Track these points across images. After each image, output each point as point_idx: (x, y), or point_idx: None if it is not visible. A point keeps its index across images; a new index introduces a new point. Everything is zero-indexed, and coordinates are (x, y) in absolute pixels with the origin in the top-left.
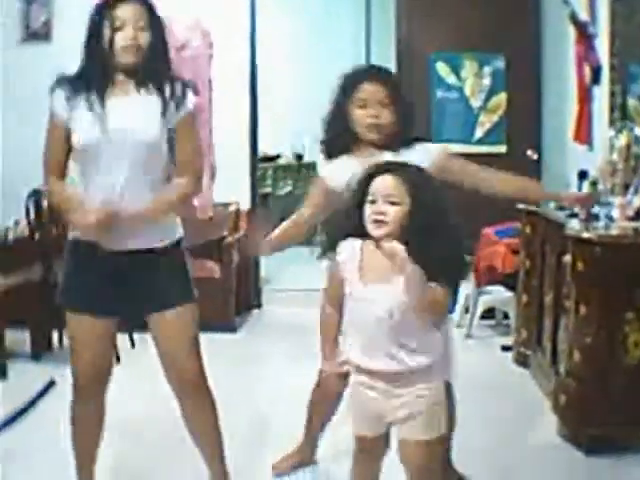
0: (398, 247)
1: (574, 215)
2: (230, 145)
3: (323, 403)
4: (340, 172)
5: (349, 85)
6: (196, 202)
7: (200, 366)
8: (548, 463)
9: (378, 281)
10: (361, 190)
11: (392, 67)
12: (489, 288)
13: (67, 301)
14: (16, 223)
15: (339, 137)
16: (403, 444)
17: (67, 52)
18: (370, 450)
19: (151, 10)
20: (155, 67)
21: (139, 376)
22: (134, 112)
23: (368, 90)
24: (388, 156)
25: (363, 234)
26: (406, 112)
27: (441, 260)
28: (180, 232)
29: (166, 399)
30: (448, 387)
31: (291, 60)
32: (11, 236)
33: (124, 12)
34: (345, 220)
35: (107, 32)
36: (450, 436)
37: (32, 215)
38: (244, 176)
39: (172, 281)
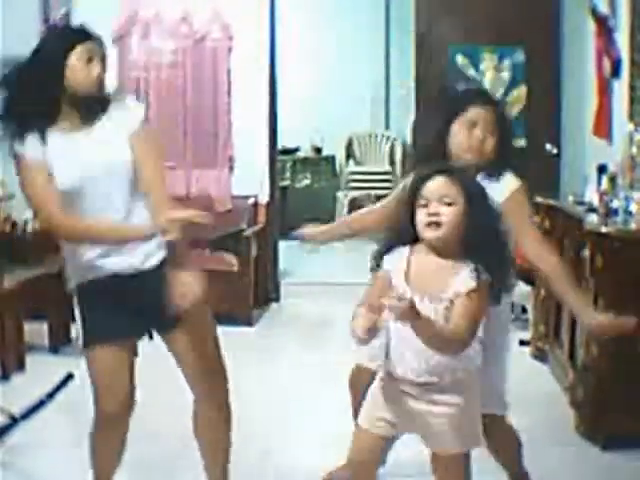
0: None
1: (593, 210)
2: (249, 138)
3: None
4: None
5: (458, 104)
6: (215, 195)
7: (227, 380)
8: (565, 458)
9: (426, 291)
10: (412, 195)
11: (411, 60)
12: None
13: (88, 341)
14: (34, 216)
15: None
16: (437, 458)
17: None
18: (376, 451)
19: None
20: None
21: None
22: (102, 140)
23: (479, 112)
24: None
25: (414, 241)
26: (507, 142)
27: (494, 261)
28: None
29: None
30: None
31: (310, 53)
32: (29, 229)
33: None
34: (397, 227)
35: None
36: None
37: None
38: (263, 169)
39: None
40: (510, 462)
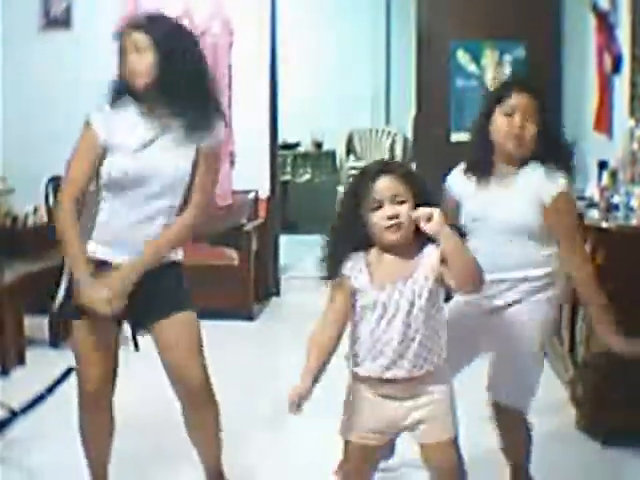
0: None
1: (594, 205)
2: (250, 132)
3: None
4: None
5: (499, 92)
6: (216, 189)
7: (204, 373)
8: (565, 453)
9: (394, 281)
10: (356, 199)
11: (412, 55)
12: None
13: (69, 312)
14: (35, 210)
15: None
16: (430, 448)
17: (87, 39)
18: (372, 459)
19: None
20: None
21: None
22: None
23: (518, 99)
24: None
25: (366, 245)
26: (550, 132)
27: None
28: (179, 252)
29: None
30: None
31: (311, 48)
32: (30, 222)
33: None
34: (346, 233)
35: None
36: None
37: (51, 201)
38: (264, 164)
39: (170, 293)
40: (515, 457)
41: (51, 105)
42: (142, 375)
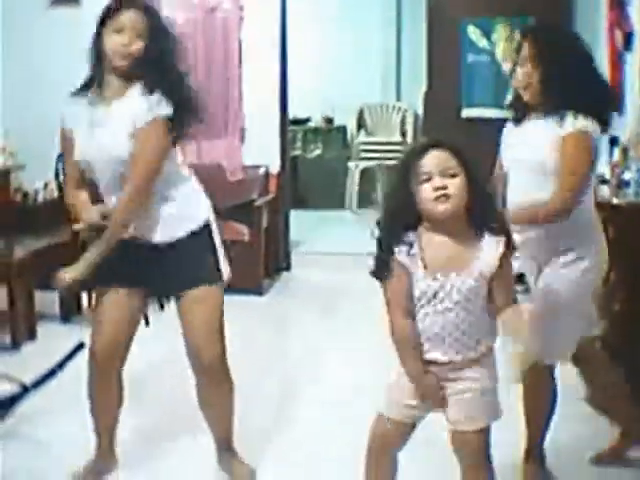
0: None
1: (605, 181)
2: (260, 108)
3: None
4: None
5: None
6: (226, 165)
7: (221, 351)
8: (576, 431)
9: (448, 271)
10: (407, 173)
11: (423, 30)
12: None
13: (96, 281)
14: (45, 185)
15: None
16: (458, 435)
17: (96, 15)
18: (403, 438)
19: (152, 18)
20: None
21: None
22: (111, 125)
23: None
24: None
25: (417, 225)
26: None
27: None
28: (203, 217)
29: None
30: None
31: (321, 24)
32: (40, 198)
33: (124, 18)
34: (397, 212)
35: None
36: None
37: (61, 177)
38: (274, 139)
39: (198, 263)
40: (534, 422)
41: (60, 81)
42: (157, 347)
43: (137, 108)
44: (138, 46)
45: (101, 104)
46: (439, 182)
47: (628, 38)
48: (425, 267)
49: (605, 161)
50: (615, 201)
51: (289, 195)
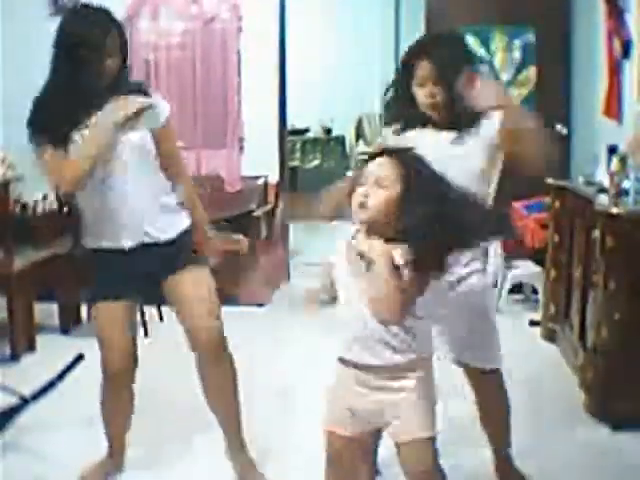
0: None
1: (604, 190)
2: (259, 118)
3: None
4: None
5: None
6: (225, 175)
7: (219, 325)
8: (575, 439)
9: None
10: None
11: None
12: (518, 263)
13: (91, 297)
14: (44, 197)
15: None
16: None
17: None
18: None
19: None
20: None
21: (166, 349)
22: None
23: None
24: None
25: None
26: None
27: (429, 246)
28: (186, 223)
29: (192, 372)
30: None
31: (320, 34)
32: (40, 210)
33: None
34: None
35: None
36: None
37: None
38: (273, 149)
39: (181, 253)
40: (496, 428)
41: None
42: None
43: None
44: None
45: None
46: (363, 190)
47: (626, 46)
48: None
49: (604, 170)
50: (614, 210)
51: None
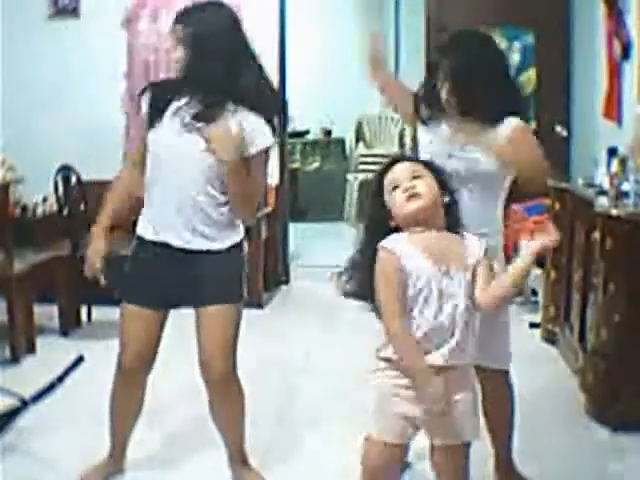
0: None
1: (603, 192)
2: None
3: None
4: None
5: None
6: None
7: (231, 364)
8: (575, 440)
9: (449, 264)
10: (379, 188)
11: (421, 42)
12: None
13: (127, 296)
14: (44, 199)
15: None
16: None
17: (95, 28)
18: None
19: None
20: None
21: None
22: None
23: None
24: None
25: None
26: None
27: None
28: (240, 235)
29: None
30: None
31: (320, 35)
32: (40, 212)
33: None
34: (372, 222)
35: None
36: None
37: (60, 191)
38: (273, 151)
39: (223, 280)
40: (499, 431)
41: (60, 94)
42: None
43: None
44: None
45: None
46: (407, 184)
47: (626, 47)
48: (427, 260)
49: (603, 172)
50: (614, 212)
51: (288, 208)
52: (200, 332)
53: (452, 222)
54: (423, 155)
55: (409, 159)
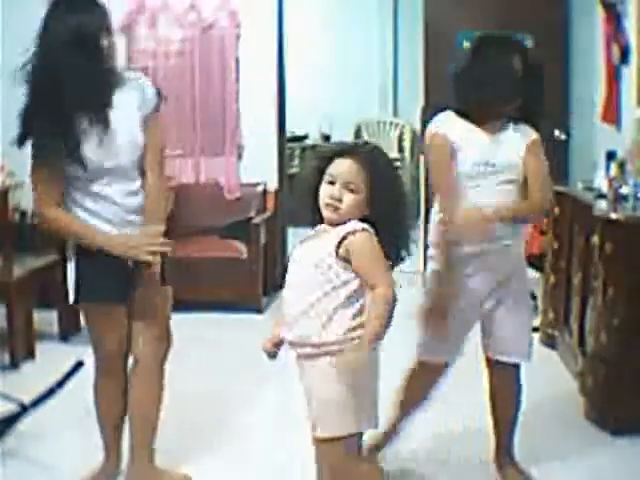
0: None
1: (602, 196)
2: (258, 125)
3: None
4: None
5: None
6: (223, 182)
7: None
8: (575, 444)
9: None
10: (321, 168)
11: (420, 46)
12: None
13: (85, 297)
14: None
15: None
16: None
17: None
18: None
19: None
20: None
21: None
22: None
23: None
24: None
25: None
26: None
27: (392, 237)
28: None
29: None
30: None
31: (319, 40)
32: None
33: None
34: (305, 198)
35: None
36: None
37: None
38: (271, 156)
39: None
40: (503, 422)
41: None
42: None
43: None
44: None
45: None
46: (336, 192)
47: (625, 51)
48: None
49: (602, 175)
50: (613, 216)
51: (287, 212)
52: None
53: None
54: (460, 168)
55: (362, 157)
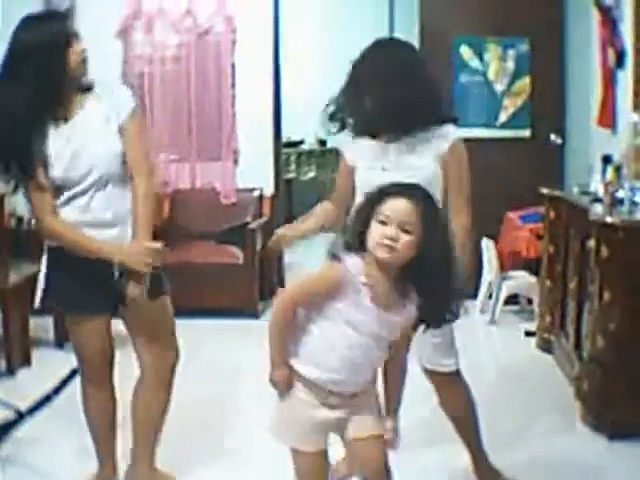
0: None
1: (598, 200)
2: (254, 130)
3: None
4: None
5: None
6: (219, 187)
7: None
8: (571, 448)
9: (388, 305)
10: (371, 206)
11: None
12: (513, 273)
13: (67, 308)
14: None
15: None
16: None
17: (90, 36)
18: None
19: None
20: None
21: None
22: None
23: None
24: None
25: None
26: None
27: (437, 291)
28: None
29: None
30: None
31: (314, 45)
32: (34, 224)
33: None
34: (351, 230)
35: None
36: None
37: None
38: (268, 161)
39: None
40: (465, 427)
41: None
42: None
43: None
44: None
45: None
46: (391, 232)
47: (620, 55)
48: (372, 294)
49: (598, 179)
50: (609, 220)
51: (283, 218)
52: (137, 319)
53: (407, 275)
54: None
55: (415, 199)
